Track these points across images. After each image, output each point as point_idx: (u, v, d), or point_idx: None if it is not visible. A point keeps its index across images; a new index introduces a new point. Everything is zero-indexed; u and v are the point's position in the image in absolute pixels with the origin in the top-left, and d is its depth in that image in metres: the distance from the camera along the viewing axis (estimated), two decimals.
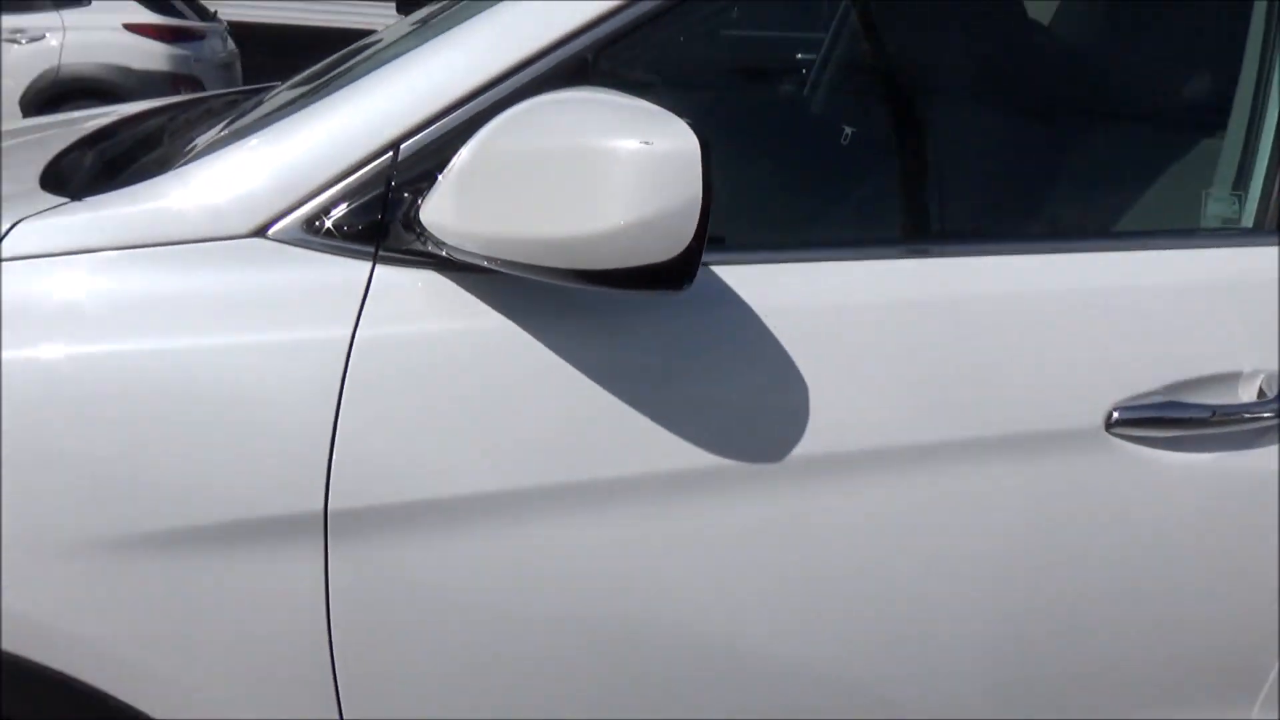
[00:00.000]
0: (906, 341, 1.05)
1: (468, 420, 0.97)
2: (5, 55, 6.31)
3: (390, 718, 1.02)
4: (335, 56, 1.48)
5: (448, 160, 0.94)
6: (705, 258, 1.00)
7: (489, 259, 0.91)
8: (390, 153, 0.98)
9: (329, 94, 1.06)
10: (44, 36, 6.36)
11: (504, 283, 0.96)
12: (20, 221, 0.97)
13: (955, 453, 1.06)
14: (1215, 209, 1.24)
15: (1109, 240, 1.19)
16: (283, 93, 1.39)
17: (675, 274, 0.83)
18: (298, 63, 1.62)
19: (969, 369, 1.07)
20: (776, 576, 1.05)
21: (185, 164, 1.03)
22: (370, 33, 1.85)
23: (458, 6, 1.28)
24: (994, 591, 1.11)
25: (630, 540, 1.01)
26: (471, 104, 0.98)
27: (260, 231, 0.97)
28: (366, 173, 0.98)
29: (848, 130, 1.68)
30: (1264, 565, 1.17)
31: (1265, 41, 1.24)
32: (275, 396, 0.94)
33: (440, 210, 0.93)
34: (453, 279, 0.97)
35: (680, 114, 0.85)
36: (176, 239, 0.97)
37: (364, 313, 0.95)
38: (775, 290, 1.03)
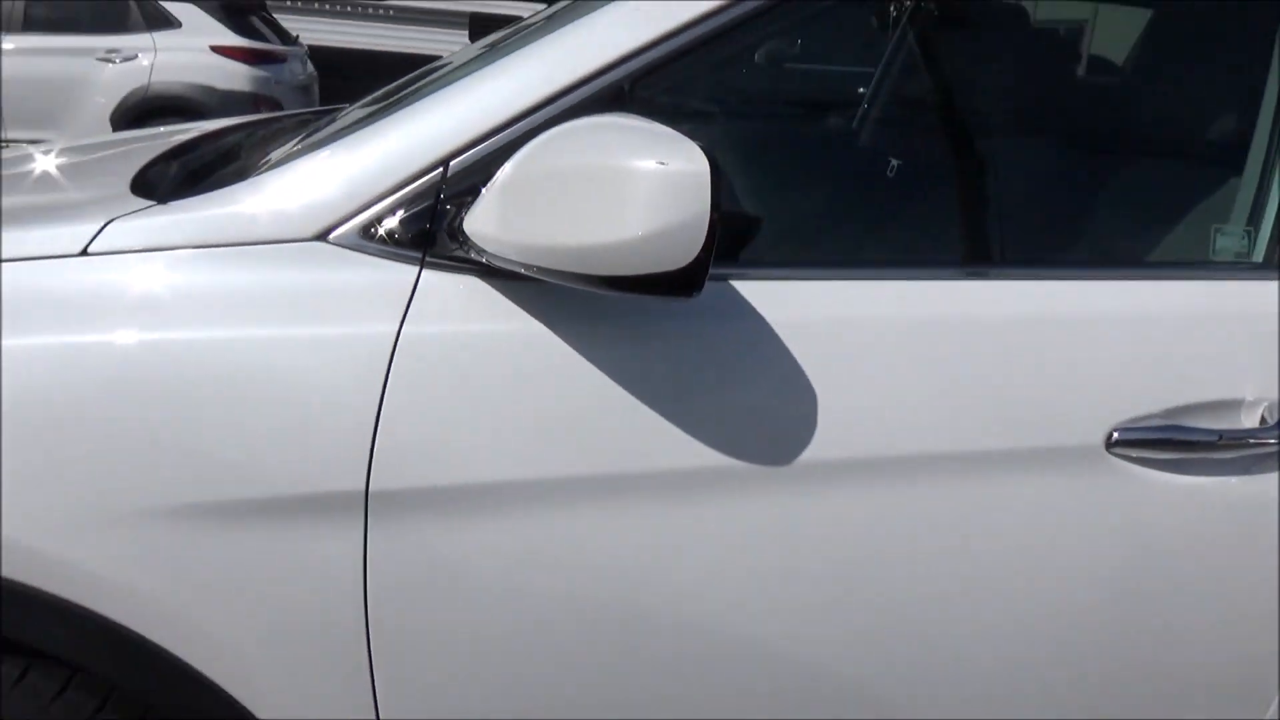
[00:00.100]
0: (919, 356, 1.12)
1: (500, 413, 1.06)
2: (100, 74, 6.67)
3: (419, 685, 1.10)
4: (402, 80, 1.59)
5: (491, 176, 1.03)
6: (730, 272, 1.09)
7: (524, 265, 1.00)
8: (441, 168, 1.08)
9: (390, 114, 1.16)
10: (136, 56, 6.71)
11: (538, 289, 1.05)
12: (112, 221, 1.09)
13: (960, 463, 1.11)
14: (1226, 243, 1.28)
15: (1118, 269, 1.24)
16: (353, 112, 1.50)
17: (686, 282, 0.91)
18: (371, 85, 1.74)
19: (977, 385, 1.12)
20: (781, 575, 1.11)
21: (258, 174, 1.14)
22: (439, 58, 1.97)
23: (517, 36, 1.38)
24: (995, 599, 1.15)
25: (645, 532, 1.09)
26: (514, 127, 1.08)
27: (321, 236, 1.08)
28: (418, 186, 1.08)
29: (893, 163, 1.75)
30: (1264, 589, 1.19)
31: None
32: (326, 384, 1.03)
33: (482, 220, 1.02)
34: (492, 284, 1.06)
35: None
36: (246, 240, 1.07)
37: (410, 312, 1.05)
38: (791, 304, 1.10)
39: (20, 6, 6.69)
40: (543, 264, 0.98)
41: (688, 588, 1.10)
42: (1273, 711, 1.26)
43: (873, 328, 1.11)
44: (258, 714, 1.08)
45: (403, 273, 1.06)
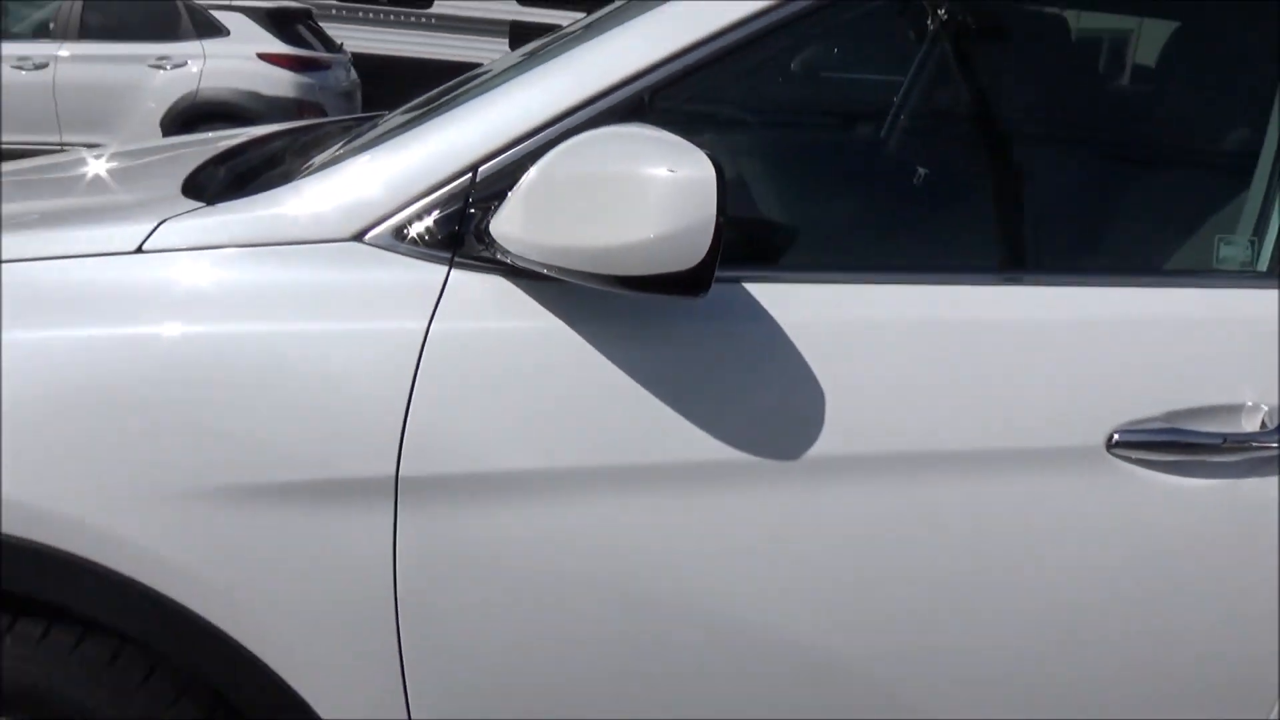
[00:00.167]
0: (925, 357, 1.16)
1: (522, 406, 1.12)
2: (151, 80, 6.87)
3: (444, 658, 1.16)
4: (441, 88, 1.66)
5: (517, 181, 1.10)
6: (741, 275, 1.15)
7: (546, 266, 1.06)
8: (470, 174, 1.14)
9: (424, 122, 1.23)
10: (186, 63, 6.90)
11: (560, 289, 1.11)
12: (165, 221, 1.17)
13: (964, 461, 1.16)
14: (1230, 253, 1.31)
15: (1123, 275, 1.27)
16: (392, 118, 1.57)
17: (694, 282, 0.97)
18: (412, 91, 1.80)
19: (982, 386, 1.17)
20: (787, 565, 1.16)
21: (301, 179, 1.22)
22: (479, 65, 2.04)
23: (554, 45, 1.44)
24: (997, 593, 1.19)
25: (658, 521, 1.14)
26: (539, 135, 1.14)
27: (357, 236, 1.15)
28: (449, 190, 1.14)
29: (921, 171, 1.79)
30: (1265, 591, 1.22)
31: None
32: (360, 376, 1.10)
33: (507, 223, 1.09)
34: (516, 283, 1.13)
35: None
36: (288, 240, 1.15)
37: (439, 309, 1.11)
38: (802, 306, 1.15)
39: (76, 15, 6.91)
40: (562, 264, 1.04)
41: (698, 574, 1.16)
42: (1275, 714, 1.28)
43: (880, 329, 1.16)
44: (292, 684, 1.15)
45: (433, 272, 1.13)
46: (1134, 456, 1.17)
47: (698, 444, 1.12)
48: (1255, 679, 1.26)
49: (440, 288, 1.12)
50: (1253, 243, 1.30)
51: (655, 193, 0.96)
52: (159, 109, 6.85)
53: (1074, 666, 1.23)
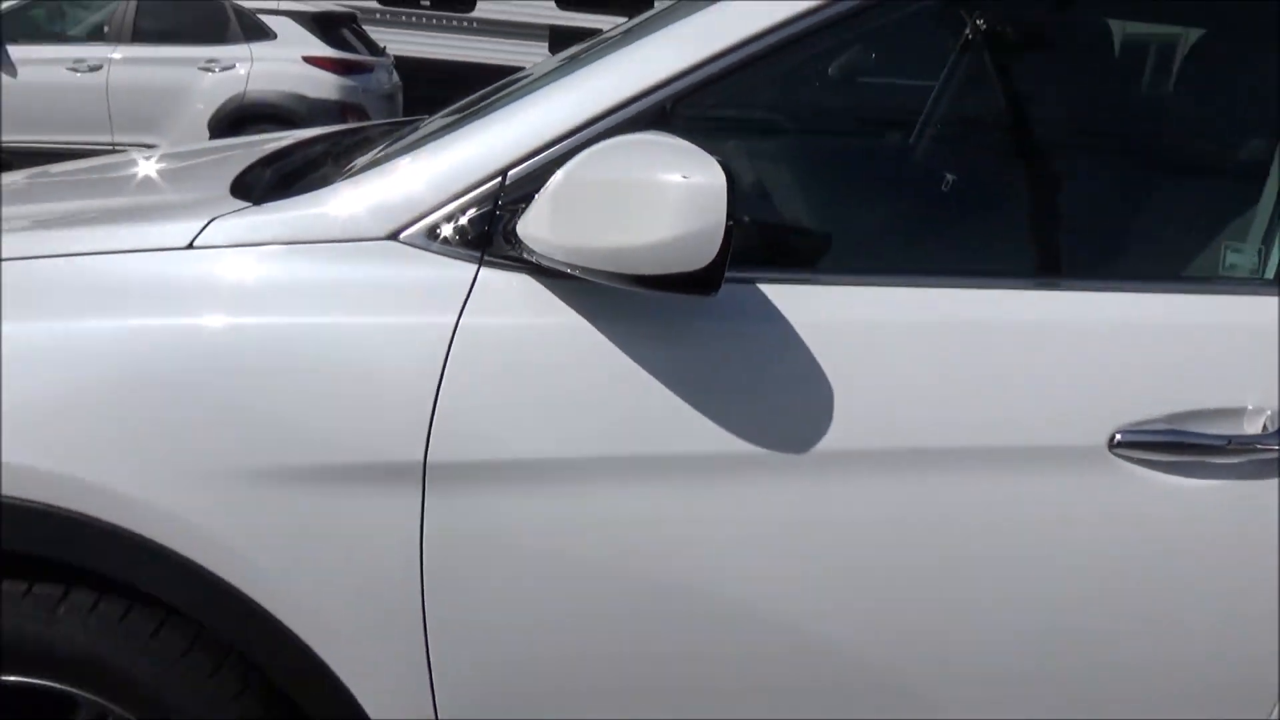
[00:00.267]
0: (930, 357, 1.20)
1: (545, 397, 1.18)
2: (200, 82, 7.05)
3: (466, 635, 1.22)
4: (479, 94, 1.72)
5: (543, 185, 1.16)
6: (755, 276, 1.20)
7: (570, 265, 1.12)
8: (500, 178, 1.21)
9: (459, 128, 1.30)
10: (234, 66, 7.08)
11: (582, 287, 1.17)
12: (214, 219, 1.25)
13: (966, 457, 1.20)
14: (1238, 260, 1.34)
15: (1128, 280, 1.31)
16: (431, 122, 1.64)
17: (704, 281, 1.03)
18: (452, 93, 1.87)
19: (987, 385, 1.21)
20: (795, 553, 1.21)
21: (341, 180, 1.29)
22: (520, 69, 2.10)
23: (593, 50, 1.50)
24: (997, 586, 1.23)
25: (673, 508, 1.20)
26: (565, 141, 1.20)
27: (393, 236, 1.21)
28: (479, 193, 1.21)
29: (948, 177, 1.83)
30: (1265, 592, 1.24)
31: None
32: (393, 366, 1.17)
33: (534, 225, 1.15)
34: (541, 282, 1.19)
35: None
36: (328, 238, 1.22)
37: (468, 305, 1.18)
38: (811, 306, 1.20)
39: (130, 18, 7.12)
40: (584, 264, 1.10)
41: (708, 559, 1.21)
42: (1275, 714, 1.30)
43: (888, 330, 1.21)
44: (322, 655, 1.22)
45: (463, 270, 1.19)
46: (1135, 456, 1.21)
47: (711, 437, 1.18)
48: (1254, 679, 1.28)
49: (470, 285, 1.19)
50: (1260, 251, 1.33)
51: (670, 197, 1.02)
52: (207, 110, 7.03)
53: (1073, 661, 1.27)
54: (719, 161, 1.03)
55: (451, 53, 10.08)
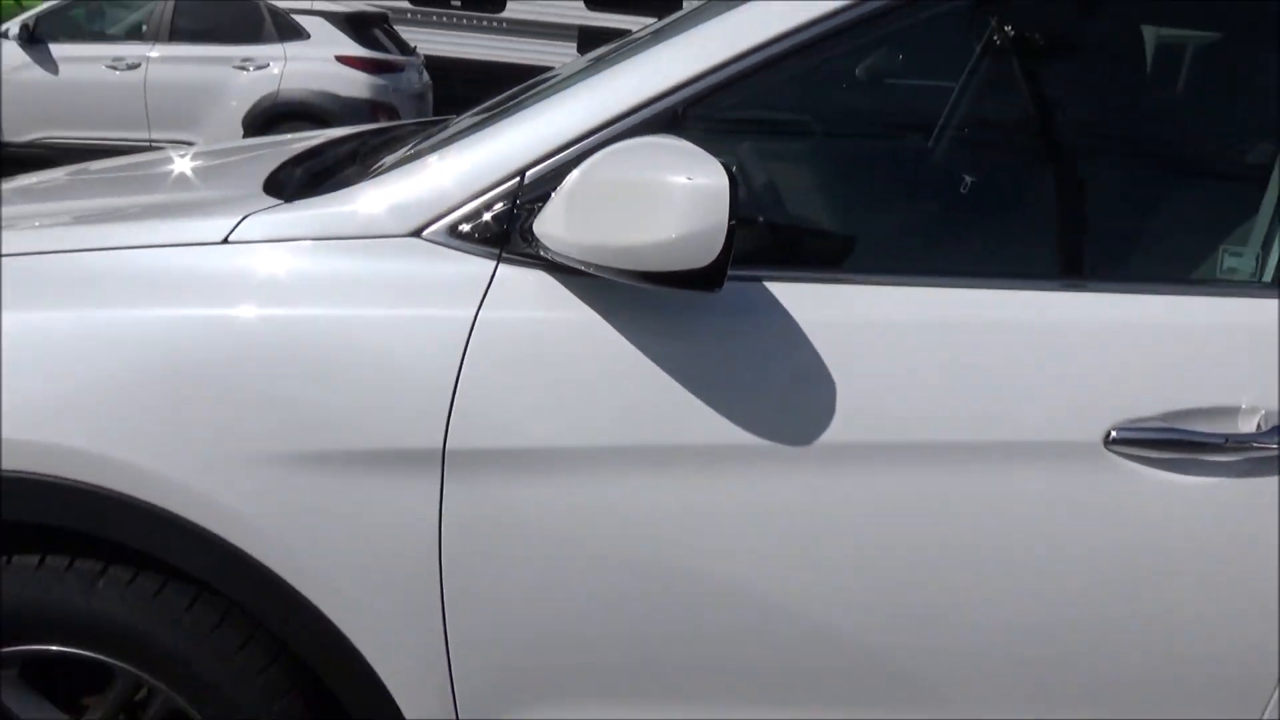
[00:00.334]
0: (932, 354, 1.25)
1: (559, 388, 1.23)
2: (235, 80, 7.18)
3: (482, 616, 1.28)
4: (507, 93, 1.77)
5: (559, 185, 1.21)
6: (761, 274, 1.25)
7: (583, 262, 1.17)
8: (518, 178, 1.26)
9: (483, 128, 1.35)
10: (268, 65, 7.20)
11: (595, 284, 1.22)
12: (248, 216, 1.31)
13: (964, 451, 1.24)
14: (1234, 263, 1.37)
15: (1128, 282, 1.34)
16: (459, 121, 1.70)
17: (708, 278, 1.09)
18: (481, 93, 1.92)
19: (986, 382, 1.25)
20: (797, 542, 1.26)
21: (368, 180, 1.35)
22: (548, 69, 2.15)
23: (620, 50, 1.54)
24: (994, 578, 1.27)
25: (681, 497, 1.24)
26: (582, 143, 1.25)
27: (416, 233, 1.27)
28: (499, 193, 1.27)
29: (967, 179, 1.86)
30: (1261, 589, 1.27)
31: None
32: (414, 357, 1.23)
33: (549, 223, 1.20)
34: (556, 278, 1.24)
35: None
36: (355, 234, 1.28)
37: (486, 299, 1.24)
38: (815, 304, 1.25)
39: (168, 18, 7.26)
40: (597, 261, 1.16)
41: (714, 546, 1.26)
42: (1271, 710, 1.32)
43: (889, 328, 1.25)
44: (345, 631, 1.28)
45: (482, 266, 1.25)
46: (1131, 453, 1.24)
47: (718, 428, 1.23)
48: (1249, 674, 1.31)
49: (488, 280, 1.25)
50: (1259, 255, 1.35)
51: (675, 198, 1.08)
52: (241, 108, 7.17)
53: (1069, 655, 1.30)
54: (723, 164, 1.08)
55: (481, 52, 10.17)
